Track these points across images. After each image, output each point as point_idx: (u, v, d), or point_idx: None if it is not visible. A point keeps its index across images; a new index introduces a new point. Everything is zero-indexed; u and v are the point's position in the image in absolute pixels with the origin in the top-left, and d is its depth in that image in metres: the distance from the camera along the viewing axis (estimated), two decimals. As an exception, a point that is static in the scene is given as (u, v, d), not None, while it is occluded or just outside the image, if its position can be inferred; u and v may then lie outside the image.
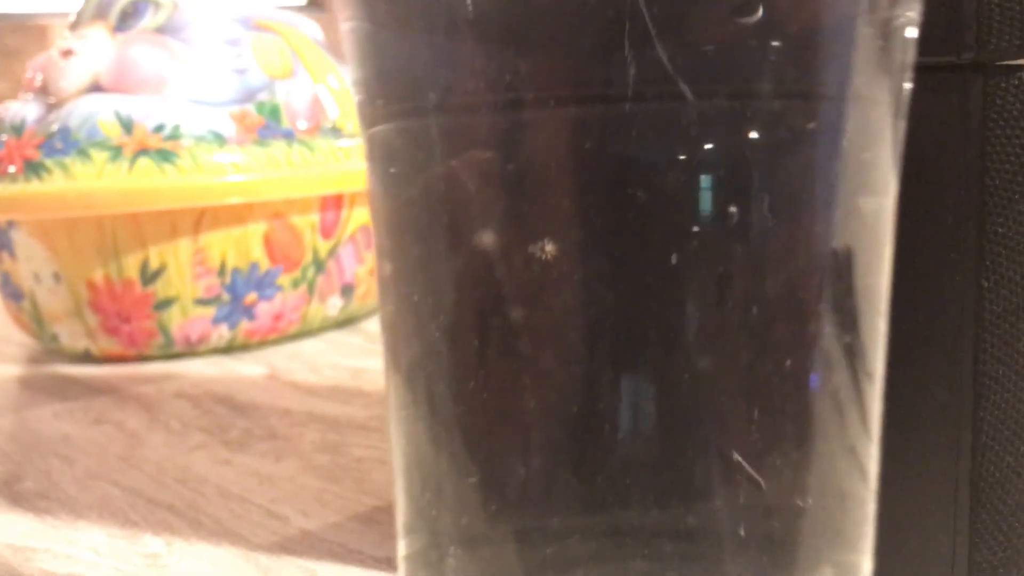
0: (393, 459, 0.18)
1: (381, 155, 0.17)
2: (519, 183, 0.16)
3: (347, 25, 0.17)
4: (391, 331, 0.17)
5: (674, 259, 0.15)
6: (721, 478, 0.16)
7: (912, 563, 0.21)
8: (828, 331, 0.16)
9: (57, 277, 0.50)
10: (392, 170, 0.17)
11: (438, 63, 0.16)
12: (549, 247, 0.15)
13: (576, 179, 0.15)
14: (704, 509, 0.16)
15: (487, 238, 0.16)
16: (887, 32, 0.15)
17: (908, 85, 0.16)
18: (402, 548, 0.18)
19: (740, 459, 0.16)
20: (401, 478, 0.18)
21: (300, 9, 1.95)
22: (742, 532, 0.16)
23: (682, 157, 0.15)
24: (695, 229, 0.15)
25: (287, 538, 0.28)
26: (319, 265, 0.53)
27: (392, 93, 0.17)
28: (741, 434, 0.16)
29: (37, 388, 0.47)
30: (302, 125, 0.52)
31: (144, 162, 0.47)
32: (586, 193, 0.15)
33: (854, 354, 0.16)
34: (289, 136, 0.51)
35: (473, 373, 0.16)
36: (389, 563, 0.26)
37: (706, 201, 0.15)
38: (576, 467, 0.16)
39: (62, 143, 0.47)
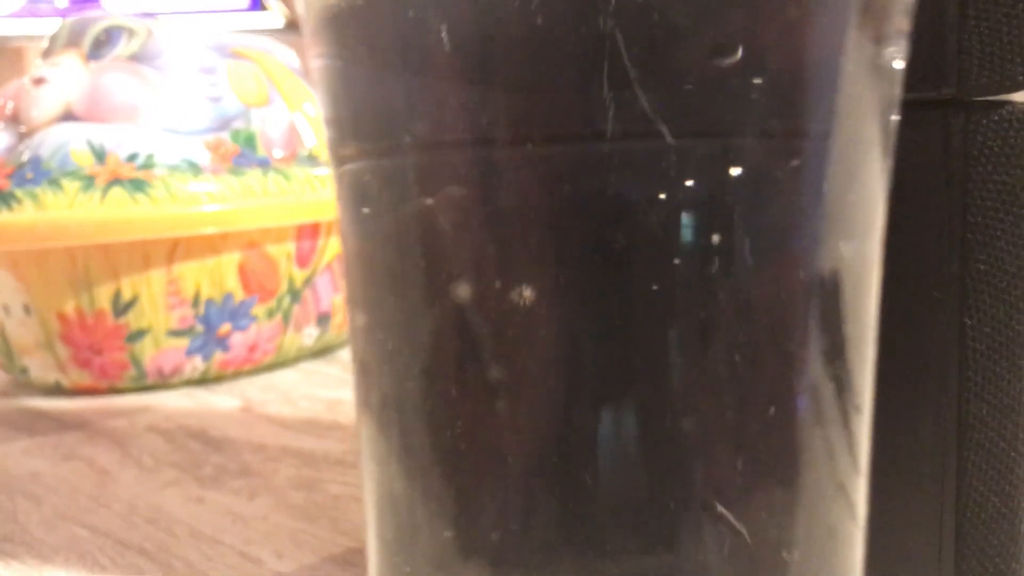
0: (365, 509, 0.17)
1: (352, 195, 0.17)
2: (495, 225, 0.15)
3: (318, 62, 0.16)
4: (363, 377, 0.17)
5: (654, 302, 0.15)
6: (706, 524, 0.15)
7: (899, 605, 0.21)
8: (814, 369, 0.15)
9: (27, 309, 0.49)
10: (365, 210, 0.17)
11: (413, 101, 0.15)
12: (525, 291, 0.15)
13: (553, 221, 0.15)
14: (688, 557, 0.15)
15: (462, 280, 0.15)
16: (872, 70, 0.15)
17: (895, 122, 0.16)
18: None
19: (724, 506, 0.15)
20: (373, 527, 0.17)
21: (278, 32, 1.94)
22: (724, 568, 0.15)
23: (663, 198, 0.14)
24: (676, 272, 0.14)
25: (260, 581, 0.27)
26: (295, 295, 0.52)
27: (364, 131, 0.16)
28: (726, 476, 0.15)
29: (6, 423, 0.46)
30: (278, 153, 0.52)
31: (117, 192, 0.46)
32: (563, 235, 0.15)
33: (842, 389, 0.16)
34: (265, 165, 0.50)
35: (452, 424, 0.16)
36: (365, 607, 0.25)
37: (688, 243, 0.15)
38: (555, 518, 0.15)
39: (33, 173, 0.47)
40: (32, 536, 0.31)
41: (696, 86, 0.14)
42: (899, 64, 0.16)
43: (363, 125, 0.16)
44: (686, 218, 0.14)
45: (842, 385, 0.16)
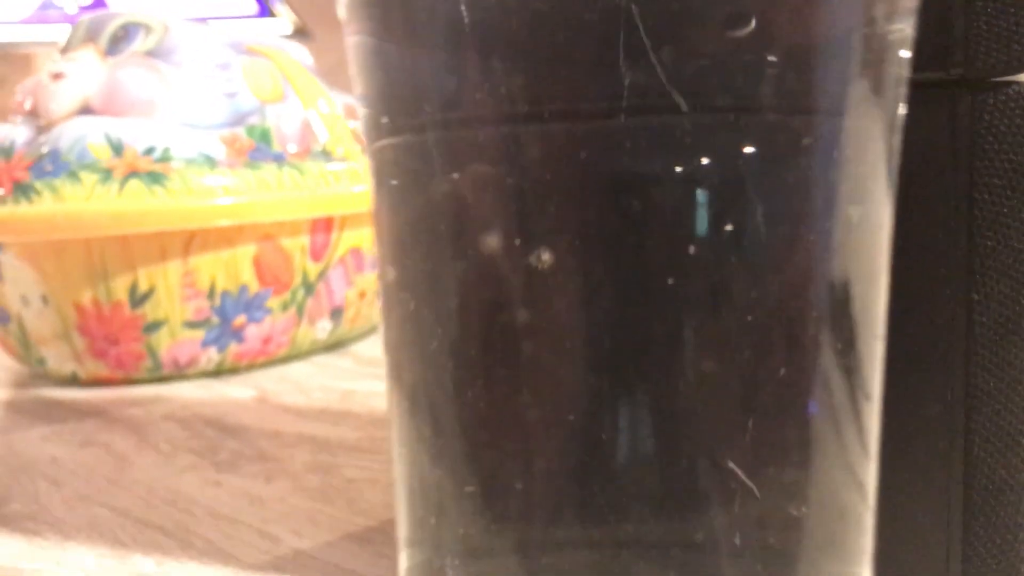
0: (395, 472, 0.18)
1: (386, 169, 0.17)
2: (519, 196, 0.16)
3: (353, 39, 0.17)
4: (394, 345, 0.18)
5: (672, 272, 0.15)
6: (721, 494, 0.16)
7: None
8: (826, 349, 0.16)
9: (45, 300, 0.50)
10: (395, 183, 0.17)
11: (441, 78, 0.16)
12: (548, 259, 0.15)
13: (575, 192, 0.16)
14: (703, 522, 0.16)
15: (488, 250, 0.16)
16: (881, 46, 0.15)
17: (902, 99, 0.16)
18: (403, 561, 0.18)
19: (739, 472, 0.16)
20: (402, 491, 0.18)
21: (285, 37, 1.95)
22: (740, 543, 0.16)
23: (679, 170, 0.15)
24: (692, 241, 0.15)
25: (279, 558, 0.28)
26: (309, 288, 0.53)
27: (397, 107, 0.17)
28: (740, 449, 0.16)
29: (24, 411, 0.47)
30: (292, 148, 0.52)
31: (134, 184, 0.47)
32: (585, 206, 0.16)
33: (852, 374, 0.16)
34: (279, 159, 0.51)
35: (473, 384, 0.16)
36: (383, 581, 0.26)
37: (702, 214, 0.15)
38: (576, 478, 0.16)
39: (52, 165, 0.47)
40: (54, 516, 0.32)
41: (711, 59, 0.15)
42: (906, 41, 0.16)
43: (395, 101, 0.17)
44: (701, 188, 0.15)
45: (852, 370, 0.16)
